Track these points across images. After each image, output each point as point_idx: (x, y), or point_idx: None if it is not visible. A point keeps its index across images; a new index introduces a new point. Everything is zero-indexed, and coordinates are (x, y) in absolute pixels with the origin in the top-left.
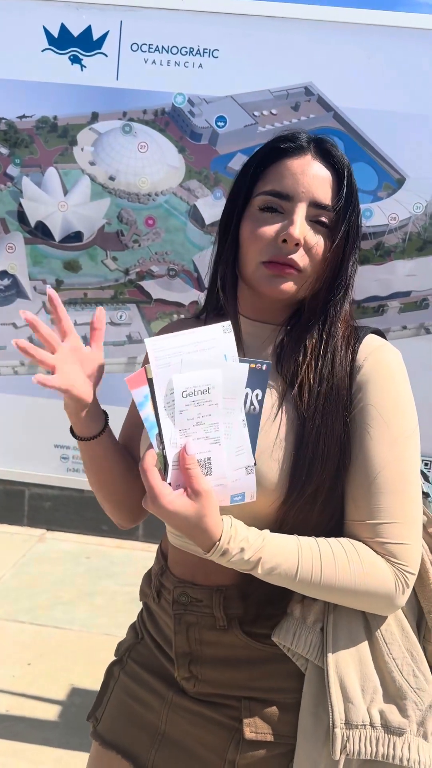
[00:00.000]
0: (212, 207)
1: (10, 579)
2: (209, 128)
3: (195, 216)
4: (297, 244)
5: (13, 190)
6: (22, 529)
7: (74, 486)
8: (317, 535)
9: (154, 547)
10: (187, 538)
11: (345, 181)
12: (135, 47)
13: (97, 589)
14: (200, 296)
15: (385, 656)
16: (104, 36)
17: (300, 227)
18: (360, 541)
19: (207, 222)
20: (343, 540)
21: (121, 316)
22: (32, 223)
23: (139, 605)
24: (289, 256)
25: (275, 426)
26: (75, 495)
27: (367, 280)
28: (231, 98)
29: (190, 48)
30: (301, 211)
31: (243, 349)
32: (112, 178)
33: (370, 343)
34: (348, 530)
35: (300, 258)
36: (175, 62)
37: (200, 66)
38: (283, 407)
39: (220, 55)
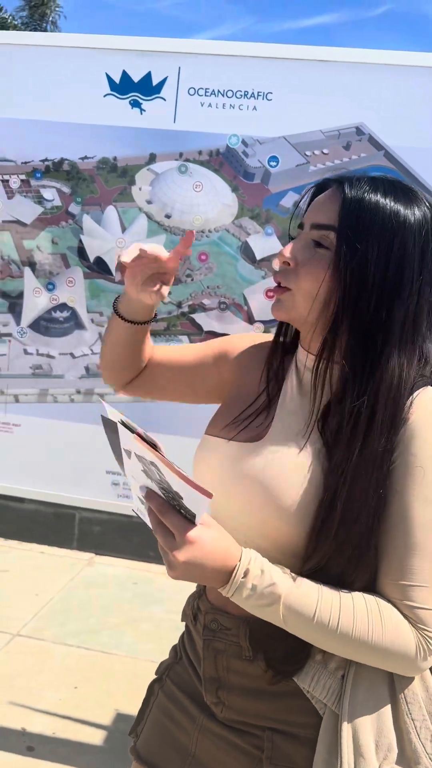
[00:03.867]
0: (263, 243)
1: (58, 602)
2: (262, 168)
3: (246, 252)
4: (284, 262)
5: (74, 227)
6: (71, 552)
7: (123, 512)
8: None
9: None
10: (210, 575)
11: (350, 199)
12: (192, 91)
13: (144, 615)
14: (250, 328)
15: (405, 716)
16: (163, 81)
17: (290, 246)
18: (388, 600)
19: (258, 257)
20: (368, 596)
21: None
22: (91, 259)
23: None
24: (277, 276)
25: (308, 467)
26: (123, 520)
27: None
28: (284, 138)
29: (245, 91)
30: (303, 233)
31: (302, 385)
32: (167, 216)
33: (423, 396)
34: (378, 588)
35: (285, 277)
36: (230, 105)
37: (254, 108)
38: (319, 451)
39: (273, 98)
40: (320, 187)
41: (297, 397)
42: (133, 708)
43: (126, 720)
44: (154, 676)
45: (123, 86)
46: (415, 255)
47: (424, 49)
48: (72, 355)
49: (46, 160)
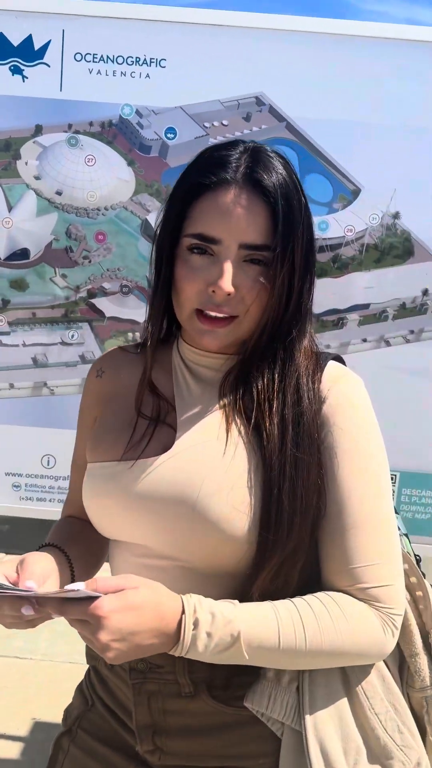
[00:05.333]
0: None
1: None
2: (159, 140)
3: (147, 230)
4: (229, 294)
5: None
6: None
7: (30, 516)
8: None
9: None
10: (153, 641)
11: (280, 216)
12: (79, 57)
13: None
14: None
15: (367, 711)
16: (46, 45)
17: (229, 276)
18: (341, 591)
19: None
20: (320, 595)
21: (72, 336)
22: None
23: None
24: (221, 308)
25: (236, 467)
26: (33, 520)
27: (325, 293)
28: (180, 109)
29: (137, 57)
30: (230, 255)
31: (200, 382)
32: (58, 193)
33: (331, 372)
34: (326, 578)
35: (233, 307)
36: (122, 72)
37: (147, 76)
38: (245, 449)
39: (168, 65)
40: (213, 184)
41: (199, 396)
42: (51, 715)
43: (44, 729)
44: (74, 682)
45: (1, 50)
46: (311, 231)
47: (329, 15)
48: None
49: None
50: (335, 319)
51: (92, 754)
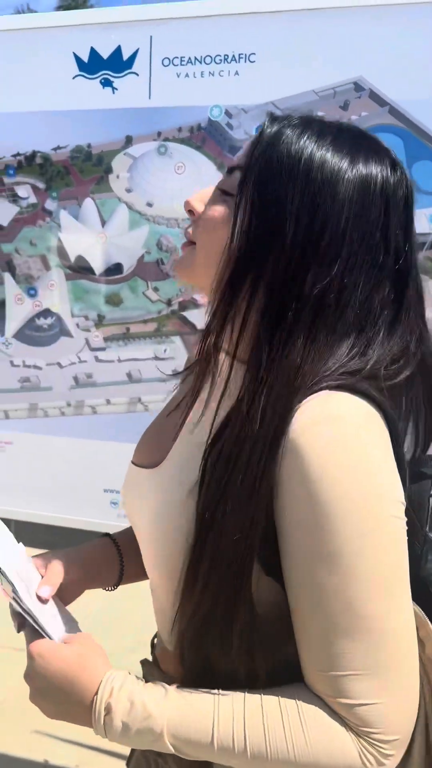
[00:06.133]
0: None
1: (92, 615)
2: (249, 139)
3: None
4: (190, 211)
5: (52, 224)
6: None
7: None
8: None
9: None
10: (66, 707)
11: (266, 134)
12: (166, 62)
13: None
14: None
15: None
16: (134, 54)
17: (198, 195)
18: (318, 696)
19: None
20: (285, 699)
21: (165, 350)
22: (72, 258)
23: None
24: (188, 230)
25: (175, 517)
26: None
27: None
28: (272, 104)
29: (224, 55)
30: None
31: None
32: (149, 204)
33: (313, 402)
34: (306, 680)
35: (194, 231)
36: (210, 72)
37: (236, 73)
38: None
39: (256, 59)
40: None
41: (203, 408)
42: None
43: None
44: None
45: (92, 65)
46: (349, 216)
47: None
48: (59, 364)
49: (17, 154)
50: None
51: None
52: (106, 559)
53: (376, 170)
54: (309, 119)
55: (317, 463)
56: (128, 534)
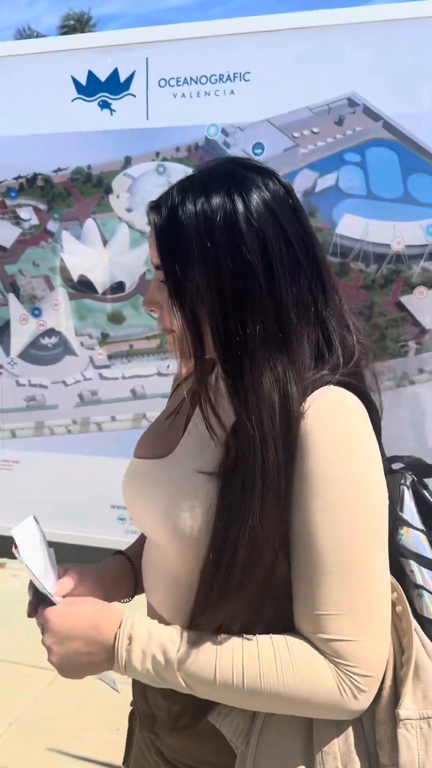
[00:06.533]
0: None
1: None
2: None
3: None
4: (152, 311)
5: (54, 245)
6: None
7: None
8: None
9: None
10: (89, 649)
11: (159, 227)
12: (163, 83)
13: None
14: None
15: (318, 766)
16: (131, 76)
17: (149, 294)
18: (302, 636)
19: None
20: (276, 637)
21: (168, 366)
22: (75, 278)
23: None
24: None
25: (196, 502)
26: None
27: None
28: (267, 122)
29: (220, 75)
30: (155, 279)
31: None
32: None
33: (318, 400)
34: (294, 620)
35: (162, 321)
36: (206, 92)
37: (232, 92)
38: (212, 479)
39: (252, 78)
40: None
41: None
42: None
43: None
44: None
45: (90, 87)
46: (255, 251)
47: None
48: (64, 382)
49: (19, 177)
50: None
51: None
52: (124, 574)
53: (257, 195)
54: (183, 186)
55: (340, 429)
56: (136, 548)
